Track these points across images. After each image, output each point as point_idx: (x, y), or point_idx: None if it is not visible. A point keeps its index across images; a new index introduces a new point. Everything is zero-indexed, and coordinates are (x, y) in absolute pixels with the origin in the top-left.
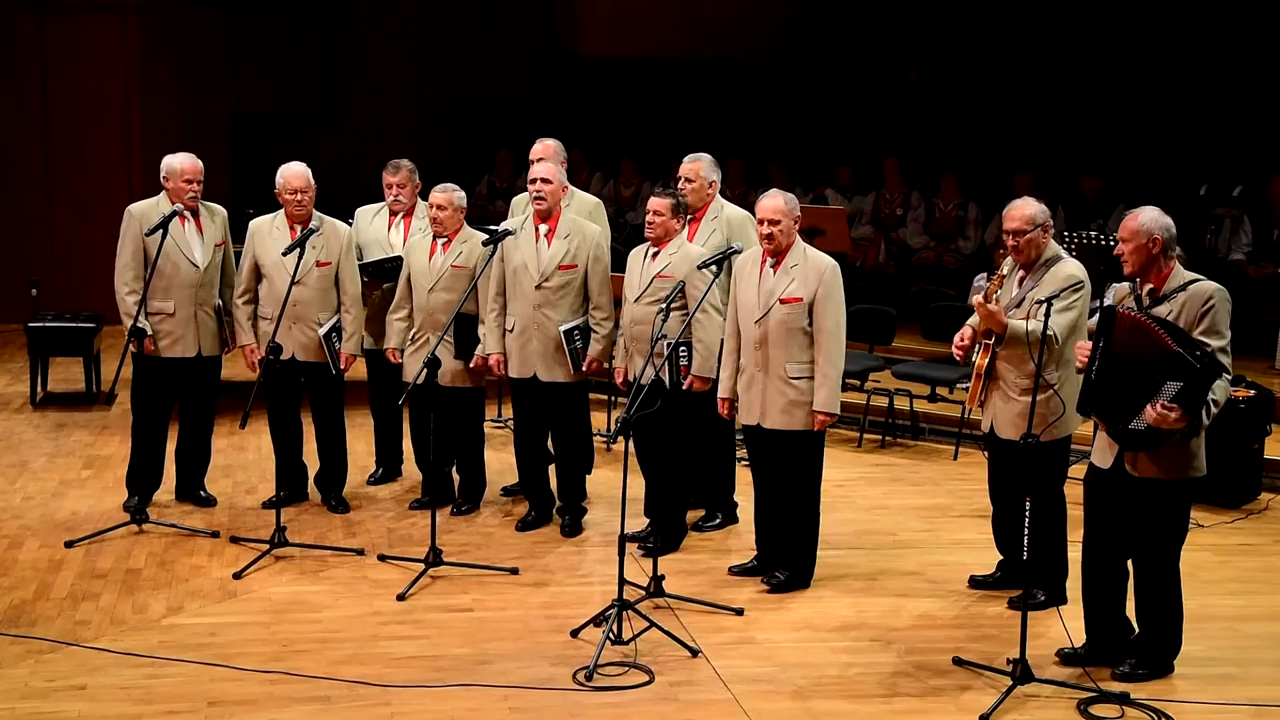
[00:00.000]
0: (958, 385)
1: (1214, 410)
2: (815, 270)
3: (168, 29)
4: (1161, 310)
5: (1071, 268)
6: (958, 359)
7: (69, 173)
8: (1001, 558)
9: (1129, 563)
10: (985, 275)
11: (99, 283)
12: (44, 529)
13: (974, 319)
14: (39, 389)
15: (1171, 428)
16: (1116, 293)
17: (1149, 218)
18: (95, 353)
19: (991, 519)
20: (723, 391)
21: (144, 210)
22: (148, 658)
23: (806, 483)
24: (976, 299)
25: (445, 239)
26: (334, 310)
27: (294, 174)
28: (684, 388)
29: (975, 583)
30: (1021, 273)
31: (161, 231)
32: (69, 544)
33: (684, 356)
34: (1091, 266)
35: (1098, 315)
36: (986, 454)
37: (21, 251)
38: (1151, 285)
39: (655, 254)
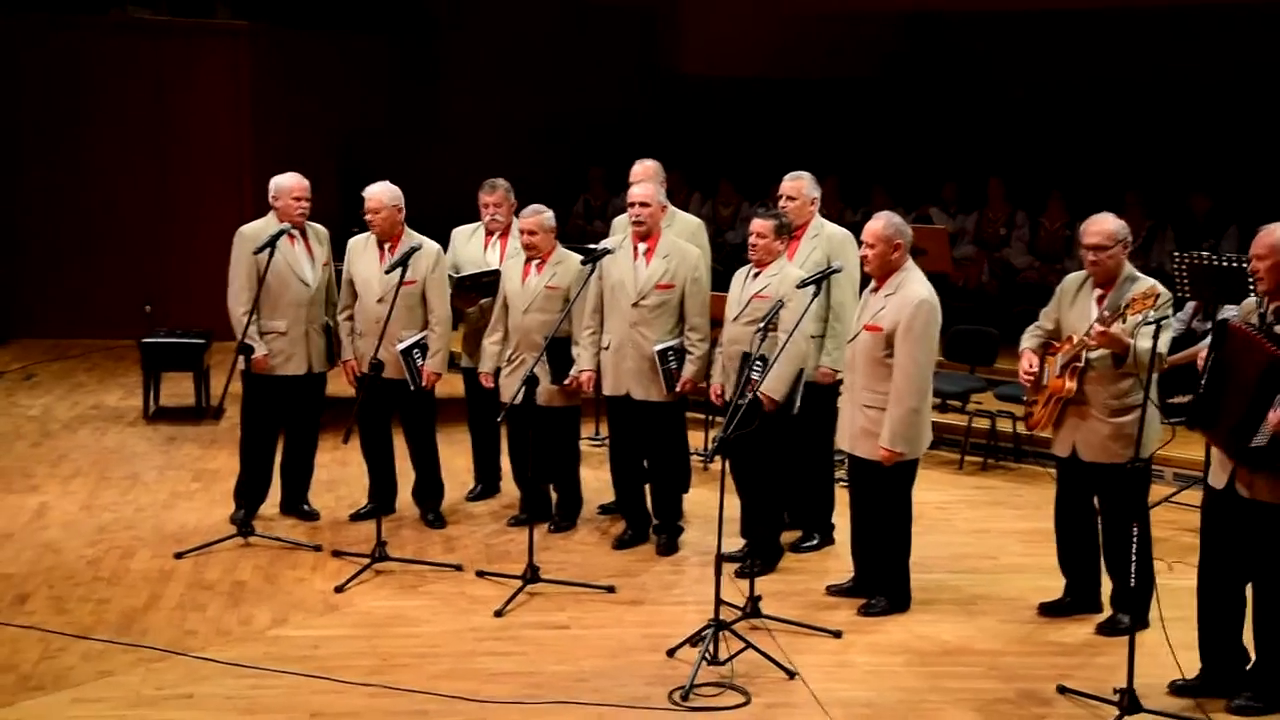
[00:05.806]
0: None
1: None
2: (905, 302)
3: (275, 52)
4: None
5: (1152, 283)
6: (1025, 386)
7: (181, 194)
8: (1067, 581)
9: (1248, 588)
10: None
11: (209, 300)
12: (155, 540)
13: (1030, 342)
14: (151, 403)
15: None
16: (1244, 308)
17: None
18: (205, 368)
19: (1057, 543)
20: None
21: (254, 232)
22: (253, 668)
23: (892, 509)
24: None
25: (539, 260)
26: (419, 328)
27: (368, 194)
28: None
29: (1045, 609)
30: (1099, 291)
31: (269, 250)
32: (178, 555)
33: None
34: (1204, 287)
35: (1211, 329)
36: (1056, 477)
37: (136, 271)
38: (1278, 304)
39: (756, 274)
